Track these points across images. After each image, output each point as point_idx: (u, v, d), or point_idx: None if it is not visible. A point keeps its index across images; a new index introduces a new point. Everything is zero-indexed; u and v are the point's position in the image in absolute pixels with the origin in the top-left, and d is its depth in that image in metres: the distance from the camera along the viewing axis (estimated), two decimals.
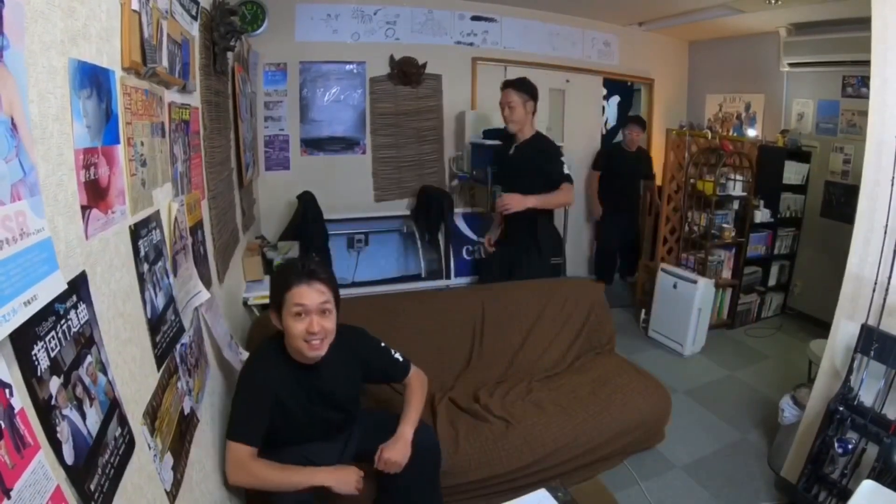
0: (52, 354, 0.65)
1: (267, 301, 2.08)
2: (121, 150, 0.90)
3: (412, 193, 3.82)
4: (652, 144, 4.74)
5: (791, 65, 3.98)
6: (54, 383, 0.65)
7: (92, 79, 0.79)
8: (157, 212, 1.09)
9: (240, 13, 2.48)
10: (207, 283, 1.47)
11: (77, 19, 0.76)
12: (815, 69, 3.83)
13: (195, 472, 1.21)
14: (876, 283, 1.76)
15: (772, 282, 4.04)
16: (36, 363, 0.61)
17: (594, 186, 4.25)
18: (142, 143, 1.00)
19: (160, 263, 1.08)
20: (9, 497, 0.53)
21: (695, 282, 3.34)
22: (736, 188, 3.65)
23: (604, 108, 4.58)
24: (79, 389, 0.70)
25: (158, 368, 1.03)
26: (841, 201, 3.69)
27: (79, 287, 0.73)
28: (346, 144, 3.70)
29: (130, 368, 0.90)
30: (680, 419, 2.54)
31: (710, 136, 3.81)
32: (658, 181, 4.29)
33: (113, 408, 0.80)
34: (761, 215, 3.77)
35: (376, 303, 2.37)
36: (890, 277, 1.71)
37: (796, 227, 4.04)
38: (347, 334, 1.57)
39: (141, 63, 0.97)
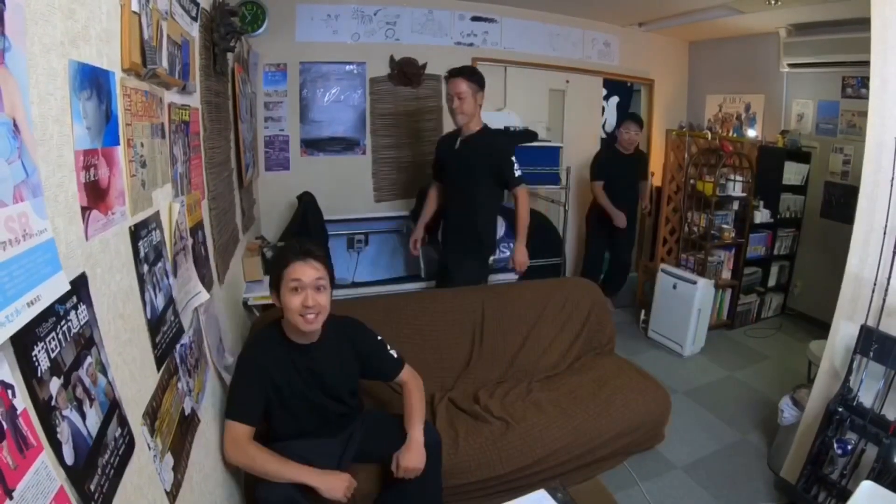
0: (52, 355, 0.65)
1: (267, 302, 2.10)
2: (121, 152, 0.90)
3: (412, 194, 3.82)
4: (652, 145, 4.74)
5: (791, 65, 3.98)
6: (54, 384, 0.65)
7: (92, 80, 0.79)
8: (157, 213, 1.09)
9: (240, 14, 2.48)
10: (208, 284, 1.47)
11: (77, 21, 0.76)
12: (814, 70, 3.83)
13: (196, 472, 1.21)
14: (875, 284, 1.77)
15: (771, 282, 4.04)
16: (36, 364, 0.62)
17: (603, 196, 3.68)
18: (142, 145, 1.00)
19: (160, 264, 1.08)
20: (11, 498, 0.53)
21: (694, 282, 3.34)
22: (736, 189, 3.65)
23: (603, 108, 4.58)
24: (79, 390, 0.70)
25: (158, 369, 1.03)
26: (841, 202, 3.69)
27: (79, 288, 0.73)
28: (347, 145, 3.69)
29: (130, 369, 0.90)
30: (680, 420, 2.54)
31: (709, 136, 3.82)
32: (658, 182, 4.27)
33: (113, 408, 0.80)
34: (761, 216, 3.78)
35: (376, 303, 2.37)
36: (889, 278, 1.71)
37: (796, 228, 4.04)
38: (345, 323, 1.65)
39: (141, 64, 0.97)
